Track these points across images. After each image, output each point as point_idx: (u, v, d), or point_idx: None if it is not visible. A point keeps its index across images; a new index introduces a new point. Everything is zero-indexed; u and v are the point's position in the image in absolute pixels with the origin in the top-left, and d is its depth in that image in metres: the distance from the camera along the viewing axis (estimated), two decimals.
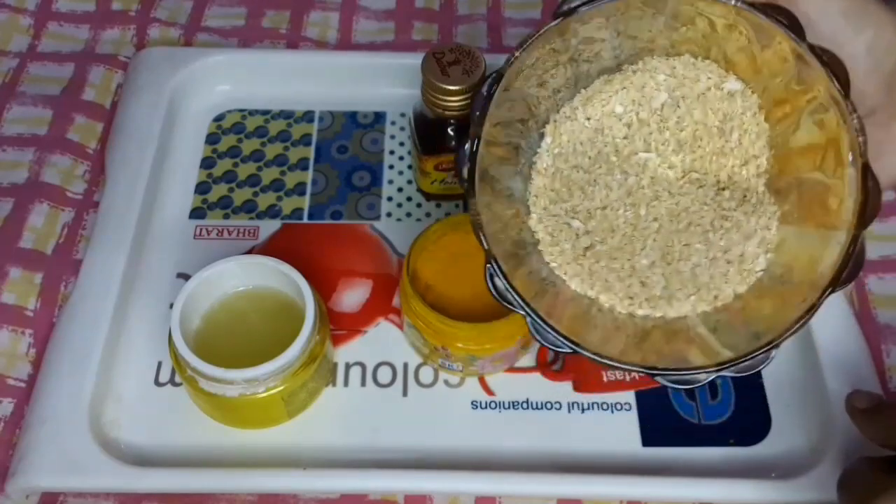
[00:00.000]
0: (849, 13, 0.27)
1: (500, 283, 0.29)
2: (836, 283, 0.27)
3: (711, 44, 0.30)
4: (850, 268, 0.27)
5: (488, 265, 0.30)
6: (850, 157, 0.27)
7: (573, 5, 0.29)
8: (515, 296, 0.29)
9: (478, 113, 0.30)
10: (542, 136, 0.32)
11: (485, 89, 0.29)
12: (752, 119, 0.31)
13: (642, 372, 0.29)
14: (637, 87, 0.31)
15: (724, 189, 0.31)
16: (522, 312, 0.29)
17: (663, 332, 0.30)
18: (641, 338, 0.30)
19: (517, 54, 0.29)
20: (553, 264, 0.31)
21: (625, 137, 0.31)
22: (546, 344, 0.29)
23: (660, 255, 0.31)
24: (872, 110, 0.29)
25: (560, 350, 0.29)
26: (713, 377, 0.28)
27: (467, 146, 0.30)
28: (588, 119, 0.32)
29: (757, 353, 0.28)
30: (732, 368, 0.28)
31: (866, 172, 0.27)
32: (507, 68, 0.29)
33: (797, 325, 0.28)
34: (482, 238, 0.30)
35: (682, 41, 0.31)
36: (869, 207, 0.27)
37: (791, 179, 0.30)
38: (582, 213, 0.31)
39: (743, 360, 0.28)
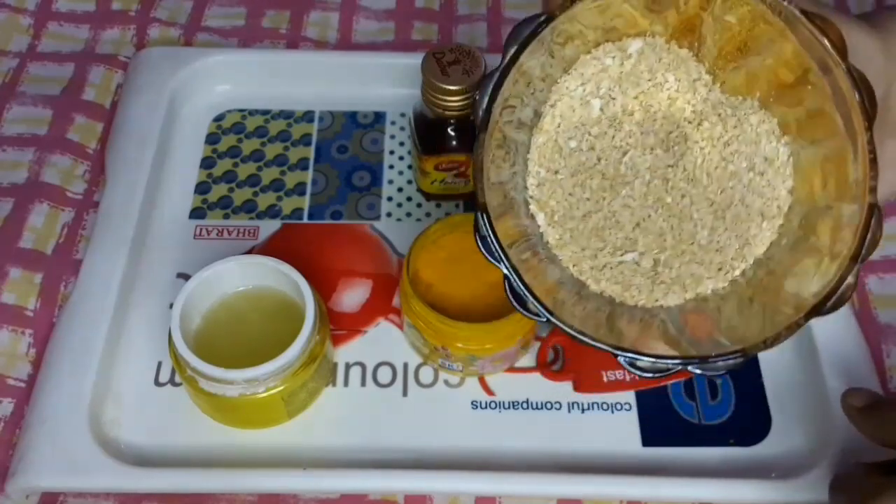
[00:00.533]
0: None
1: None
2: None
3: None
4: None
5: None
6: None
7: (485, 106, 0.28)
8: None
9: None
10: (532, 217, 0.31)
11: (483, 230, 0.28)
12: (669, 55, 0.31)
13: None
14: (568, 115, 0.31)
15: (701, 123, 0.31)
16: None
17: (766, 274, 0.30)
18: (753, 296, 0.30)
19: (482, 183, 0.29)
20: (640, 302, 0.30)
21: (599, 160, 0.31)
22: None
23: (711, 217, 0.30)
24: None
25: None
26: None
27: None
28: (557, 173, 0.31)
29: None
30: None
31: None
32: (482, 198, 0.28)
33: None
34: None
35: (570, 53, 0.31)
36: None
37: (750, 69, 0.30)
38: (626, 244, 0.31)
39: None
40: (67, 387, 0.38)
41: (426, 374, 0.41)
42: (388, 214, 0.46)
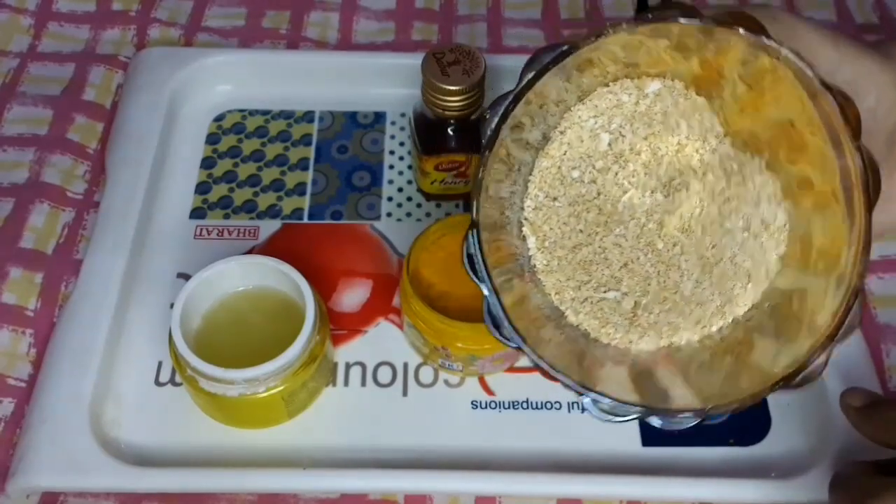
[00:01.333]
0: (855, 78, 0.27)
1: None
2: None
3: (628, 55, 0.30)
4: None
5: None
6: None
7: (494, 125, 0.28)
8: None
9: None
10: (524, 238, 0.31)
11: (471, 248, 0.28)
12: (686, 101, 0.30)
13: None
14: (576, 145, 0.31)
15: (705, 174, 0.30)
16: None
17: (742, 333, 0.29)
18: (724, 352, 0.29)
19: (478, 201, 0.28)
20: (615, 341, 0.30)
21: (598, 194, 0.31)
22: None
23: (699, 270, 0.30)
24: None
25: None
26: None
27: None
28: (555, 199, 0.31)
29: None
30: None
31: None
32: (476, 216, 0.28)
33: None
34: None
35: (587, 81, 0.30)
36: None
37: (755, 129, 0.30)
38: (610, 282, 0.30)
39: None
40: (68, 386, 0.38)
41: (426, 373, 0.41)
42: (389, 214, 0.46)
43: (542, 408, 0.40)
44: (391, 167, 0.48)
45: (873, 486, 0.31)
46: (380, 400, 0.40)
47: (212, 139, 0.49)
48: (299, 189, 0.47)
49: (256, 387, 0.35)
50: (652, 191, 0.31)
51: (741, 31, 0.26)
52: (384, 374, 0.41)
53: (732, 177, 0.30)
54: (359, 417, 0.39)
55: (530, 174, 0.31)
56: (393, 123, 0.50)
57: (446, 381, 0.40)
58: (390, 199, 0.47)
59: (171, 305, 0.36)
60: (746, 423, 0.39)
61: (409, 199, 0.47)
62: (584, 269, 0.30)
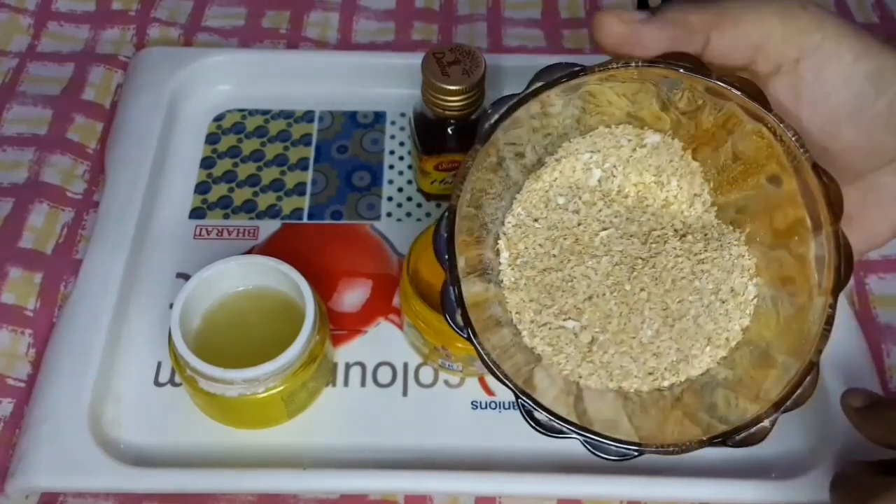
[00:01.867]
0: (873, 75, 0.28)
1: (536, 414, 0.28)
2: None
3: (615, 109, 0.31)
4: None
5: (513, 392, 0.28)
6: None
7: (492, 121, 0.29)
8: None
9: (445, 255, 0.29)
10: (498, 252, 0.31)
11: (442, 229, 0.28)
12: (681, 162, 0.31)
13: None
14: (567, 174, 0.31)
15: (685, 235, 0.31)
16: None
17: (692, 392, 0.30)
18: (673, 406, 0.30)
19: (460, 189, 0.29)
20: (565, 372, 0.31)
21: (579, 224, 0.31)
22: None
23: (661, 320, 0.30)
24: (893, 160, 0.30)
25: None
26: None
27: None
28: (536, 220, 0.31)
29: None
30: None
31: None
32: (454, 201, 0.29)
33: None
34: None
35: (592, 116, 0.31)
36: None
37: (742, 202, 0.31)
38: (572, 312, 0.31)
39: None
40: (67, 387, 0.38)
41: (426, 374, 0.41)
42: (389, 214, 0.46)
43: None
44: (391, 167, 0.48)
45: (874, 487, 0.31)
46: (380, 400, 0.40)
47: (211, 139, 0.49)
48: (299, 189, 0.47)
49: (256, 387, 0.35)
50: (631, 235, 0.31)
51: (739, 93, 0.27)
52: (384, 375, 0.41)
53: (711, 243, 0.31)
54: (359, 418, 0.39)
55: (518, 192, 0.31)
56: (393, 123, 0.50)
57: (446, 382, 0.40)
58: (390, 199, 0.47)
59: (171, 305, 0.36)
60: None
61: (409, 199, 0.47)
62: (548, 294, 0.31)
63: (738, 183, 0.31)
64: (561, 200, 0.31)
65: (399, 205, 0.47)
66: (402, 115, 0.50)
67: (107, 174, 0.46)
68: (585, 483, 0.37)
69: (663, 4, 0.28)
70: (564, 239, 0.31)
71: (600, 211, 0.31)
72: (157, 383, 0.40)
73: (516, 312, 0.31)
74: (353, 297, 0.43)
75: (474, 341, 0.28)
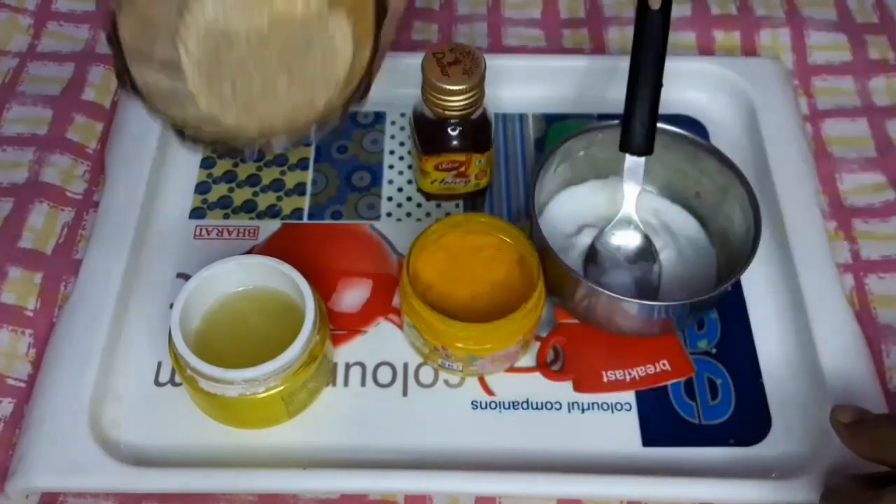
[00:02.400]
0: None
1: None
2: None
3: None
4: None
5: None
6: None
7: None
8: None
9: None
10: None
11: None
12: None
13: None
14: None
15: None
16: None
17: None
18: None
19: None
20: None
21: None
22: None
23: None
24: None
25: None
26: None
27: None
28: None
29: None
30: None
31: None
32: None
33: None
34: None
35: None
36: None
37: None
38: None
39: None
40: (67, 387, 0.38)
41: (426, 374, 0.41)
42: (388, 214, 0.46)
43: (542, 408, 0.40)
44: (391, 167, 0.48)
45: (863, 499, 0.31)
46: (380, 400, 0.40)
47: None
48: (299, 189, 0.47)
49: (256, 387, 0.35)
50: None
51: None
52: (384, 375, 0.41)
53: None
54: (359, 417, 0.39)
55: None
56: (393, 123, 0.50)
57: (446, 382, 0.40)
58: (390, 199, 0.47)
59: (171, 305, 0.36)
60: (747, 424, 0.39)
61: (409, 199, 0.47)
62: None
63: None
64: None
65: (399, 205, 0.47)
66: (402, 115, 0.50)
67: (107, 174, 0.46)
68: (585, 483, 0.37)
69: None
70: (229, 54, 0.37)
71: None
72: (157, 383, 0.40)
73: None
74: (353, 297, 0.43)
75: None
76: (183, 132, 0.34)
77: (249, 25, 0.37)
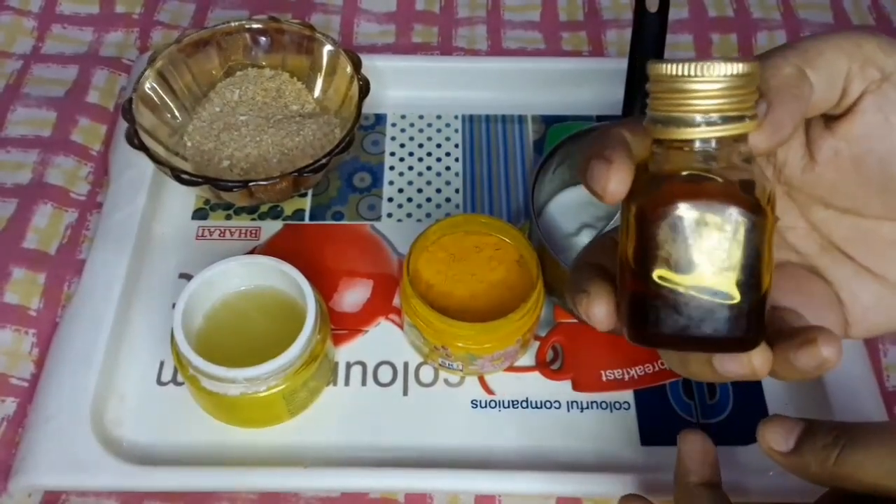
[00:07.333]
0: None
1: None
2: None
3: None
4: None
5: None
6: None
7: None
8: None
9: None
10: None
11: None
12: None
13: None
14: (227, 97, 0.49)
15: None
16: None
17: None
18: None
19: None
20: None
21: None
22: None
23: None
24: None
25: None
26: None
27: None
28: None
29: None
30: None
31: None
32: None
33: None
34: None
35: None
36: None
37: None
38: None
39: None
40: (70, 386, 0.38)
41: (426, 373, 0.41)
42: (389, 215, 0.46)
43: (541, 407, 0.40)
44: (391, 168, 0.48)
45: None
46: (380, 399, 0.40)
47: None
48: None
49: (257, 386, 0.36)
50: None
51: None
52: (384, 374, 0.41)
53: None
54: (359, 417, 0.39)
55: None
56: (393, 125, 0.50)
57: (446, 381, 0.41)
58: (391, 199, 0.47)
59: (173, 305, 0.36)
60: (745, 422, 0.39)
61: (410, 199, 0.47)
62: None
63: None
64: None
65: (399, 205, 0.47)
66: (403, 116, 0.50)
67: (110, 176, 0.46)
68: (585, 482, 0.37)
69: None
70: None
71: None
72: (159, 382, 0.40)
73: None
74: (353, 296, 0.43)
75: None
76: (181, 178, 0.41)
77: None
